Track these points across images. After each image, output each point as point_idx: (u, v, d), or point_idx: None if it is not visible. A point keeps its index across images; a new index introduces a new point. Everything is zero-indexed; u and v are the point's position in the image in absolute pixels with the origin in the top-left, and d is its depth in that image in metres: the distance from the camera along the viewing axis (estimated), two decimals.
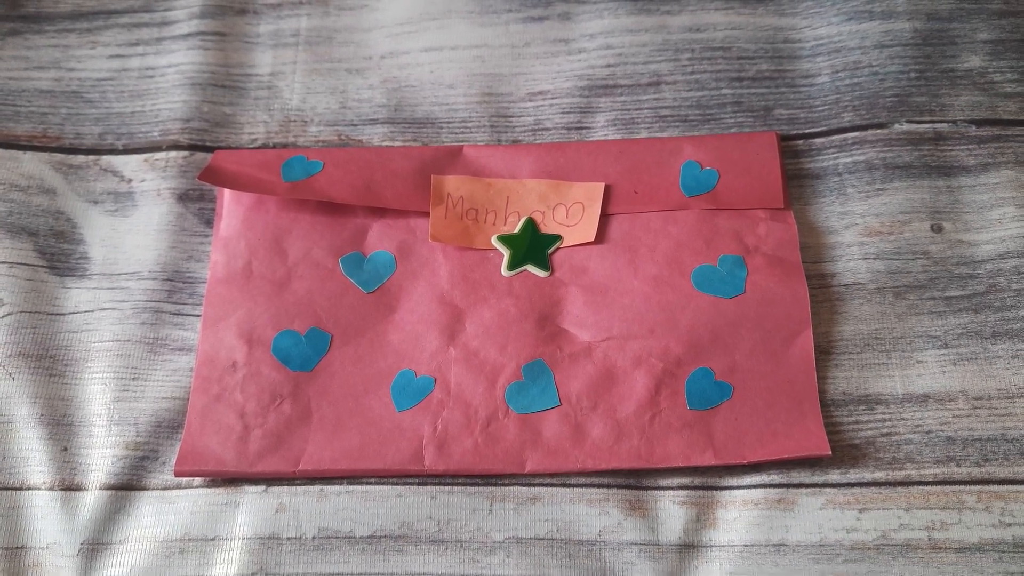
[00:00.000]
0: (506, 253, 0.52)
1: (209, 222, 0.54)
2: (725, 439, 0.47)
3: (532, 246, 0.52)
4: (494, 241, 0.52)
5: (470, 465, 0.47)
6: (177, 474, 0.47)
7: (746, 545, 0.45)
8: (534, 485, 0.47)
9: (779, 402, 0.47)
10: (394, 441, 0.48)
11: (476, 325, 0.50)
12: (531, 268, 0.51)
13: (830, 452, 0.46)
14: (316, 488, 0.47)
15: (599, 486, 0.47)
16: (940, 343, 0.49)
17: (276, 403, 0.49)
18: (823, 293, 0.51)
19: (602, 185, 0.53)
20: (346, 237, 0.53)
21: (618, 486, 0.47)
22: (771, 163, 0.53)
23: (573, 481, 0.47)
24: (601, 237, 0.52)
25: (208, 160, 0.55)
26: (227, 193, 0.54)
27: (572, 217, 0.52)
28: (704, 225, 0.52)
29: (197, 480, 0.48)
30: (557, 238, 0.52)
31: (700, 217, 0.52)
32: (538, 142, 0.56)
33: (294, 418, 0.48)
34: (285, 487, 0.47)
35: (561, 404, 0.48)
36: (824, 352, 0.49)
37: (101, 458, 0.48)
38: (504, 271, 0.51)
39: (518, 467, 0.47)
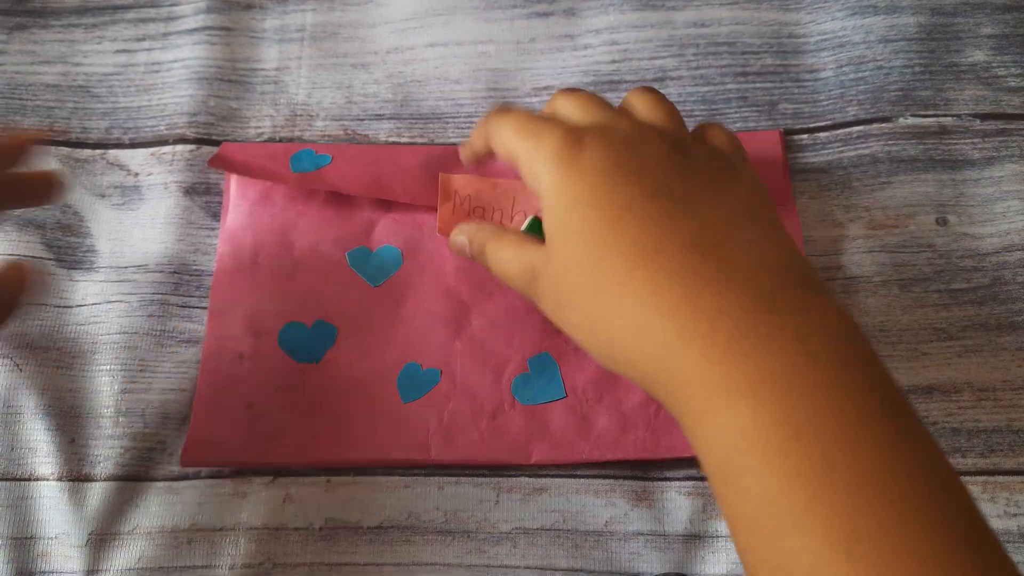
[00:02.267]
0: None
1: (216, 215, 0.54)
2: None
3: None
4: None
5: (476, 456, 0.47)
6: (184, 465, 0.47)
7: None
8: (540, 476, 0.47)
9: None
10: (400, 432, 0.48)
11: (482, 318, 0.50)
12: None
13: None
14: (323, 479, 0.48)
15: (605, 477, 0.47)
16: (945, 335, 0.49)
17: (282, 395, 0.49)
18: (828, 286, 0.51)
19: None
20: (353, 231, 0.53)
21: (624, 477, 0.47)
22: (775, 162, 0.53)
23: (579, 472, 0.47)
24: None
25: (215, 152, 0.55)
26: (233, 186, 0.54)
27: None
28: None
29: (204, 471, 0.48)
30: None
31: None
32: None
33: (300, 409, 0.48)
34: (292, 478, 0.48)
35: (567, 396, 0.48)
36: None
37: (109, 449, 0.48)
38: None
39: (524, 458, 0.47)
